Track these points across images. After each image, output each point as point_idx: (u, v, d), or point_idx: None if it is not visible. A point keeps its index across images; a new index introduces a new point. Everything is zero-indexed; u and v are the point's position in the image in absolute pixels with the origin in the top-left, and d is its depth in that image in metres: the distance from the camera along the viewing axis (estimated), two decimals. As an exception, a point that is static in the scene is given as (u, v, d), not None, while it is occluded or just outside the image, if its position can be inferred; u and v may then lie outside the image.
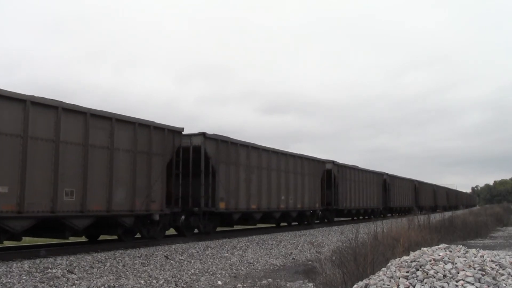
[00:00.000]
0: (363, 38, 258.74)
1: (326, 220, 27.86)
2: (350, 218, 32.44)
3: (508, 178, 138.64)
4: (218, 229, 18.67)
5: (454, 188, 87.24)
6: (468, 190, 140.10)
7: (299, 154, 23.46)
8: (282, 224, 23.63)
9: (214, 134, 17.04)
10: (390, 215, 38.43)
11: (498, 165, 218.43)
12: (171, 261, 11.72)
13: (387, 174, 39.25)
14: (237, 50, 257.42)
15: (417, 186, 49.25)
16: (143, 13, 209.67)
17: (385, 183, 38.64)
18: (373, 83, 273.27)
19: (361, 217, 34.13)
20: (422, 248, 6.71)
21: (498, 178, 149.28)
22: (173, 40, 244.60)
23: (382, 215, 36.51)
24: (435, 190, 60.43)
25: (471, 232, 20.89)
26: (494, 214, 33.36)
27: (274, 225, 23.19)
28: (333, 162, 27.81)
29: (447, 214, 30.63)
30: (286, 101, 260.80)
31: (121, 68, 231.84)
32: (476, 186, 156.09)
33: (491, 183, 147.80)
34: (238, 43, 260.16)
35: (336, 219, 29.49)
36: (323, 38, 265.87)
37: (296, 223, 24.08)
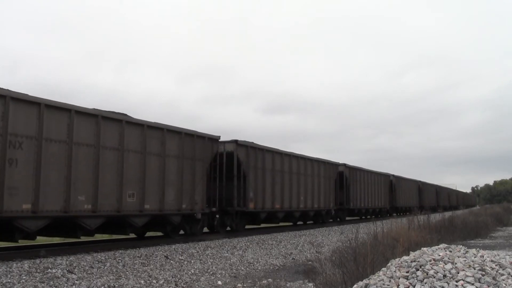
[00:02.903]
0: (364, 38, 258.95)
1: (338, 219, 29.00)
2: (359, 217, 33.40)
3: (508, 178, 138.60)
4: (247, 227, 20.32)
5: (454, 188, 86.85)
6: (468, 190, 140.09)
7: (316, 158, 24.88)
8: (299, 222, 24.98)
9: (244, 141, 18.74)
10: (395, 214, 39.02)
11: (498, 165, 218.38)
12: (171, 261, 11.72)
13: (393, 175, 40.04)
14: (238, 50, 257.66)
15: (420, 187, 49.65)
16: (144, 13, 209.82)
17: (391, 184, 39.48)
18: (374, 83, 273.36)
19: (369, 216, 34.87)
20: (422, 248, 6.71)
21: (498, 178, 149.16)
22: (174, 40, 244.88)
23: (388, 214, 37.22)
24: (438, 190, 60.69)
25: (471, 232, 20.91)
26: (494, 214, 33.36)
27: (293, 223, 24.34)
28: (344, 165, 29.20)
29: (447, 214, 30.61)
30: (286, 101, 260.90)
31: (122, 68, 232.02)
32: (476, 186, 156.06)
33: (491, 183, 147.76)
34: (239, 43, 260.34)
35: (347, 218, 30.70)
36: (324, 38, 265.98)
37: (312, 222, 25.83)
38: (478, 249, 7.02)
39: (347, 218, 30.79)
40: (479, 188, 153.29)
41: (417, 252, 6.42)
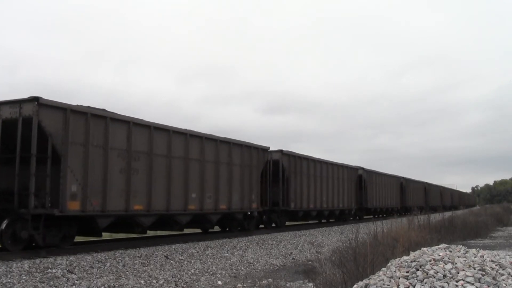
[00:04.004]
0: (364, 38, 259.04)
1: (273, 225, 21.66)
2: (314, 221, 26.46)
3: (508, 178, 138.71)
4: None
5: (454, 188, 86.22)
6: (468, 190, 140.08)
7: (225, 138, 17.40)
8: (211, 230, 18.75)
9: (60, 102, 11.90)
10: (370, 217, 33.67)
11: (498, 165, 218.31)
12: (171, 261, 11.72)
13: (363, 168, 32.97)
14: (238, 51, 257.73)
15: (404, 184, 42.85)
16: (144, 13, 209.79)
17: (361, 179, 32.39)
18: (374, 83, 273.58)
19: (325, 220, 27.91)
20: (422, 248, 6.71)
21: (498, 178, 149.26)
22: (174, 40, 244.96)
23: (357, 217, 31.71)
24: (427, 188, 53.21)
25: (471, 232, 20.91)
26: (494, 214, 33.35)
27: (179, 231, 16.58)
28: (281, 151, 21.65)
29: (447, 214, 30.61)
30: (286, 101, 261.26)
31: (123, 68, 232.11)
32: (476, 186, 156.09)
33: (491, 183, 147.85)
34: (239, 43, 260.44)
35: (291, 222, 23.65)
36: (324, 39, 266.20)
37: (228, 229, 18.99)
38: (478, 249, 7.02)
39: (290, 224, 23.29)
40: (479, 188, 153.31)
41: (417, 252, 6.42)
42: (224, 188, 17.20)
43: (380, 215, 36.04)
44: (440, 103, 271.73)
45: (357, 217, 31.97)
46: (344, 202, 28.63)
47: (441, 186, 65.94)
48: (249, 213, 19.00)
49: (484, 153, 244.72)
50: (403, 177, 43.25)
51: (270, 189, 20.86)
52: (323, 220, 27.69)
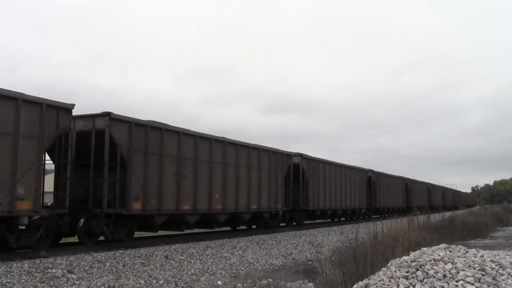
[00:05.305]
0: (364, 38, 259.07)
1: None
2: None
3: (508, 178, 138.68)
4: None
5: (454, 188, 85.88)
6: (468, 190, 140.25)
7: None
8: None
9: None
10: (320, 221, 26.44)
11: (498, 165, 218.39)
12: (171, 261, 11.73)
13: (301, 155, 23.63)
14: (238, 51, 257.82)
15: (373, 180, 34.66)
16: (144, 13, 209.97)
17: (298, 170, 23.31)
18: (373, 83, 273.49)
19: (240, 227, 20.32)
20: (422, 248, 6.71)
21: (498, 178, 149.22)
22: (174, 40, 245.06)
23: (295, 223, 23.69)
24: (409, 185, 44.95)
25: (471, 232, 20.93)
26: (494, 214, 33.37)
27: None
28: (109, 116, 12.90)
29: (447, 214, 30.62)
30: (287, 101, 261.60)
31: (123, 69, 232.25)
32: (476, 186, 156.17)
33: (491, 183, 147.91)
34: (239, 43, 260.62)
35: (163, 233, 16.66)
36: (324, 39, 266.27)
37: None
38: (478, 249, 7.02)
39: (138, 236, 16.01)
40: (479, 188, 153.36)
41: (417, 252, 6.42)
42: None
43: (336, 219, 28.84)
44: (440, 103, 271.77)
45: (294, 223, 23.69)
46: (262, 201, 19.26)
47: (430, 184, 56.14)
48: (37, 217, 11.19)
49: (484, 153, 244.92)
50: (371, 170, 34.60)
51: (92, 180, 12.95)
52: (239, 228, 20.06)
